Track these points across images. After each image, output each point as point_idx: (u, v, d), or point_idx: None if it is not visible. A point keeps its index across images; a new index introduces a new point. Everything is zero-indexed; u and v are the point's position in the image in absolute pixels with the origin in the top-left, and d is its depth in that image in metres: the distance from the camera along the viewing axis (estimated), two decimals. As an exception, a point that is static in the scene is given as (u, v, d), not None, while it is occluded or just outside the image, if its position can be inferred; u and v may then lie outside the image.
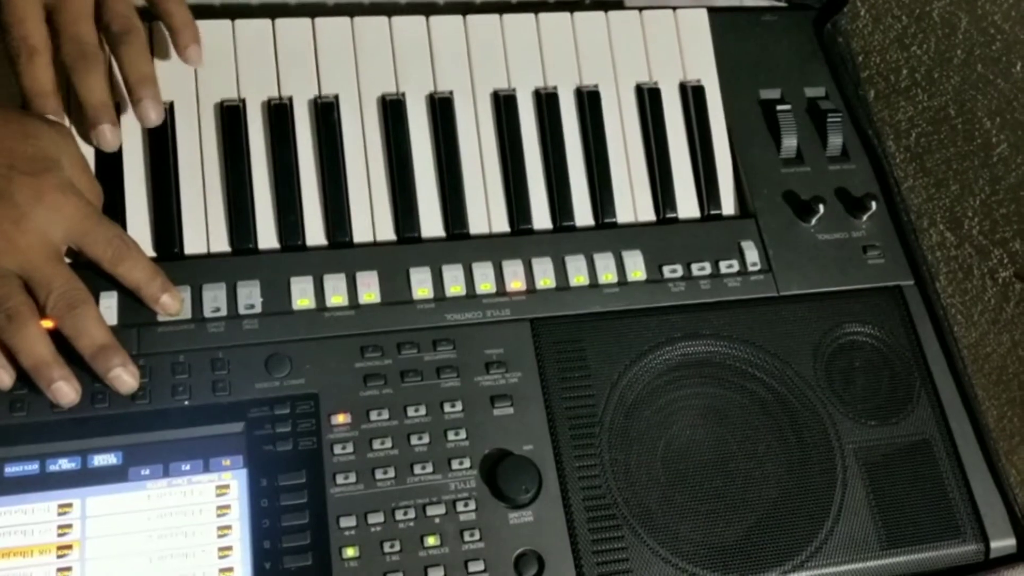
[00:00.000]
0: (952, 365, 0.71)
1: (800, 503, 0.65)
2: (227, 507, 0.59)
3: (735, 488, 0.65)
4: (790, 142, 0.77)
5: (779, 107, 0.77)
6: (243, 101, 0.69)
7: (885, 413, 0.68)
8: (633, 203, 0.74)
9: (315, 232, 0.68)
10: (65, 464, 0.59)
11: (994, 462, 0.68)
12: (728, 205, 0.75)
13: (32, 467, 0.58)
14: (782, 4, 0.85)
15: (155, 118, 0.65)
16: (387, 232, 0.69)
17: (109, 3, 0.64)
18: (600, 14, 0.77)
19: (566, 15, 0.76)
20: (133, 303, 0.63)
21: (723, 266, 0.71)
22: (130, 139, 0.67)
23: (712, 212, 0.74)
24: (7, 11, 0.61)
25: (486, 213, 0.71)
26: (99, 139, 0.64)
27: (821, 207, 0.73)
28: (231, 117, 0.69)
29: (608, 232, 0.72)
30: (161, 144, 0.67)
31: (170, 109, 0.68)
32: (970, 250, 1.07)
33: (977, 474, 0.67)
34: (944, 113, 1.04)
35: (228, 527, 0.58)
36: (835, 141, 0.78)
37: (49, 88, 0.63)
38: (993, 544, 0.65)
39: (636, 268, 0.70)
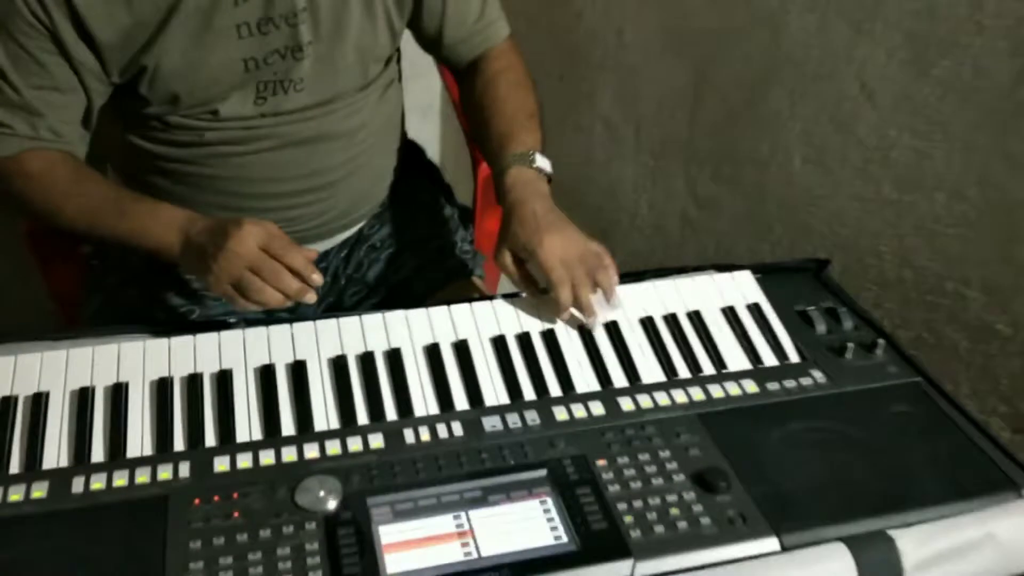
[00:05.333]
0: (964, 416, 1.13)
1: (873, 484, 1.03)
2: (549, 510, 0.98)
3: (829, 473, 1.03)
4: (821, 326, 1.27)
5: (808, 308, 1.29)
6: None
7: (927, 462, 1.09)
8: (734, 360, 1.22)
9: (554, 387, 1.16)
10: (447, 497, 0.99)
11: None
12: (792, 356, 1.23)
13: (431, 500, 0.99)
14: (789, 266, 1.41)
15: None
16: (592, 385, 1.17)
17: None
18: (689, 279, 1.32)
19: (671, 281, 1.31)
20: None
21: (801, 380, 1.17)
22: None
23: (783, 362, 1.22)
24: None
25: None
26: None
27: (851, 346, 1.21)
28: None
29: (724, 376, 1.19)
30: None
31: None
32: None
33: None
34: (922, 340, 1.55)
35: (552, 519, 0.97)
36: (847, 323, 1.28)
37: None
38: None
39: (752, 387, 1.16)
